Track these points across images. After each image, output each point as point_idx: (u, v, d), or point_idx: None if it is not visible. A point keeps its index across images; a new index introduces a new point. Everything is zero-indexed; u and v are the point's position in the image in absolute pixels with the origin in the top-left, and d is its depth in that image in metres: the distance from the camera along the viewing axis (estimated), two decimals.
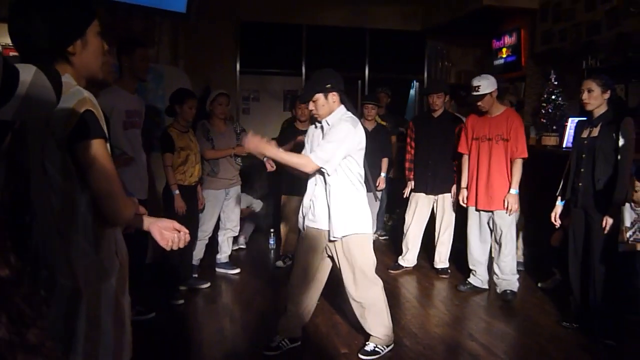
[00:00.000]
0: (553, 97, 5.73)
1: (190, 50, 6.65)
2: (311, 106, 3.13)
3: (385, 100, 6.52)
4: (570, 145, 5.37)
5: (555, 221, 3.81)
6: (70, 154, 1.46)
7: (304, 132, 3.66)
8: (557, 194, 3.83)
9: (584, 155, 3.61)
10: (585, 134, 3.64)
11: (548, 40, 6.59)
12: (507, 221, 4.32)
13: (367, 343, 3.37)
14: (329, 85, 3.07)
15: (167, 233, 1.74)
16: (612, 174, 3.45)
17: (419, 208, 5.11)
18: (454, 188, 4.89)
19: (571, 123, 5.46)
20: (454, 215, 5.03)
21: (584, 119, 3.72)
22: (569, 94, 5.82)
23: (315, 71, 3.26)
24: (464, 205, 4.57)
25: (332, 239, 3.17)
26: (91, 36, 1.56)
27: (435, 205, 5.09)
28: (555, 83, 5.72)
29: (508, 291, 4.37)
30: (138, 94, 3.93)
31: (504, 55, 7.48)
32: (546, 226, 4.54)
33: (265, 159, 5.09)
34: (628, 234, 4.09)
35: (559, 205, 3.83)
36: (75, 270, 1.50)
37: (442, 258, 5.11)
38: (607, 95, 3.54)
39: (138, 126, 3.77)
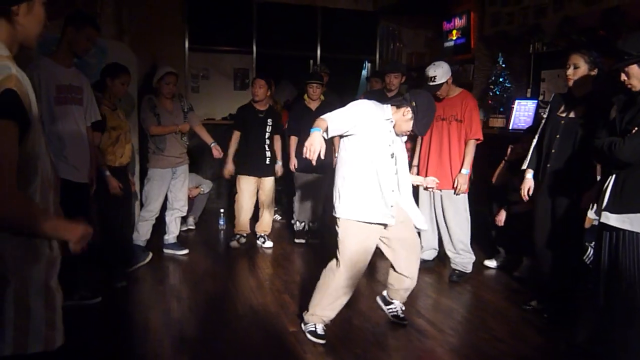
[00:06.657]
0: (500, 79, 5.84)
1: (136, 25, 6.41)
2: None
3: (324, 78, 6.11)
4: (516, 127, 5.50)
5: (525, 196, 3.60)
6: None
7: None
8: (526, 166, 3.61)
9: (558, 136, 3.37)
10: (562, 113, 3.40)
11: (496, 23, 6.67)
12: (456, 200, 4.35)
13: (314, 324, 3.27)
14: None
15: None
16: (587, 160, 3.23)
17: None
18: None
19: (517, 105, 5.59)
20: None
21: (562, 93, 3.49)
22: (516, 77, 5.92)
23: None
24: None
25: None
26: (37, 4, 1.53)
27: None
28: (503, 66, 5.81)
29: (456, 271, 4.44)
30: (77, 68, 3.66)
31: (454, 38, 7.51)
32: (492, 205, 4.66)
33: (212, 144, 4.96)
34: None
35: (530, 179, 3.59)
36: (2, 253, 1.43)
37: None
38: (594, 73, 3.24)
39: (76, 102, 3.50)
